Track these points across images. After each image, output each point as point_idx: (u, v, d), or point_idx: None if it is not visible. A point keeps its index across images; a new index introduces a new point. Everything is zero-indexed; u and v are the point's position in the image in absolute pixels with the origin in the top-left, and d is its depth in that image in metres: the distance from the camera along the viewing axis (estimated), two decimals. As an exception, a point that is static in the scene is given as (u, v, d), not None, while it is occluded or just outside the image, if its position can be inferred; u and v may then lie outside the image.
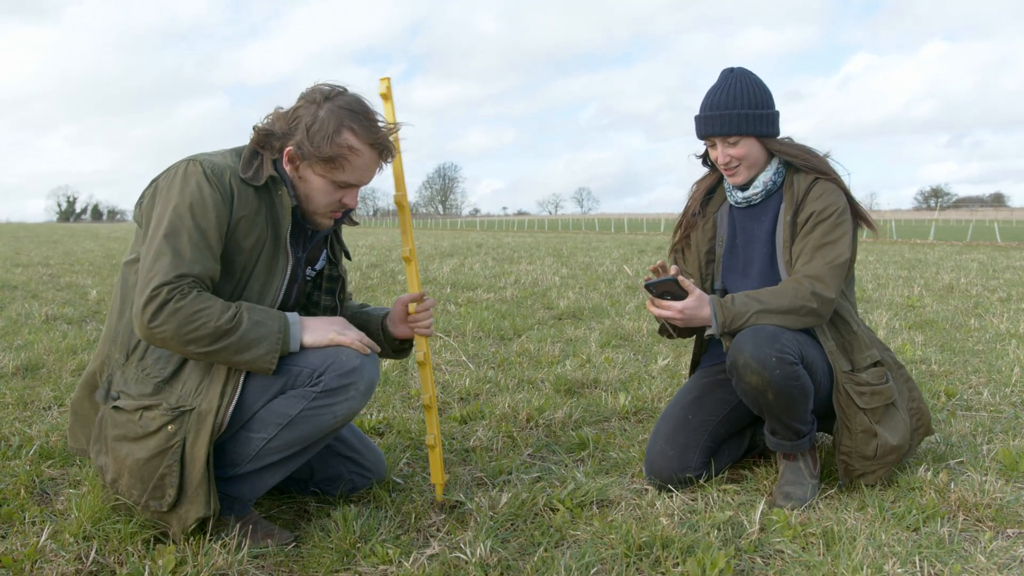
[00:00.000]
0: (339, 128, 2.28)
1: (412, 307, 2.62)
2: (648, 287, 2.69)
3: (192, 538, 2.27)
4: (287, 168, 2.37)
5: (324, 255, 2.63)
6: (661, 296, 2.70)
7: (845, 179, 2.84)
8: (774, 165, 2.87)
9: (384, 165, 2.42)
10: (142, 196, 2.36)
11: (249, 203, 2.31)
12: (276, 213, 2.36)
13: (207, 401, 2.23)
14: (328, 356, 2.28)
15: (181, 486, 2.23)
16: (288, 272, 2.40)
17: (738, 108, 2.75)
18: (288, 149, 2.32)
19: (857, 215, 2.83)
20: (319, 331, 2.34)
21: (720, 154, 2.83)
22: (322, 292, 2.63)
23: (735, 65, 2.88)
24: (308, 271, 2.59)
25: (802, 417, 2.69)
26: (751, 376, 2.58)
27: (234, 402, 2.24)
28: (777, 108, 2.84)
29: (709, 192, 3.05)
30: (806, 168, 2.82)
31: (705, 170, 3.09)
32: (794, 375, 2.57)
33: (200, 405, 2.23)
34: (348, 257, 2.77)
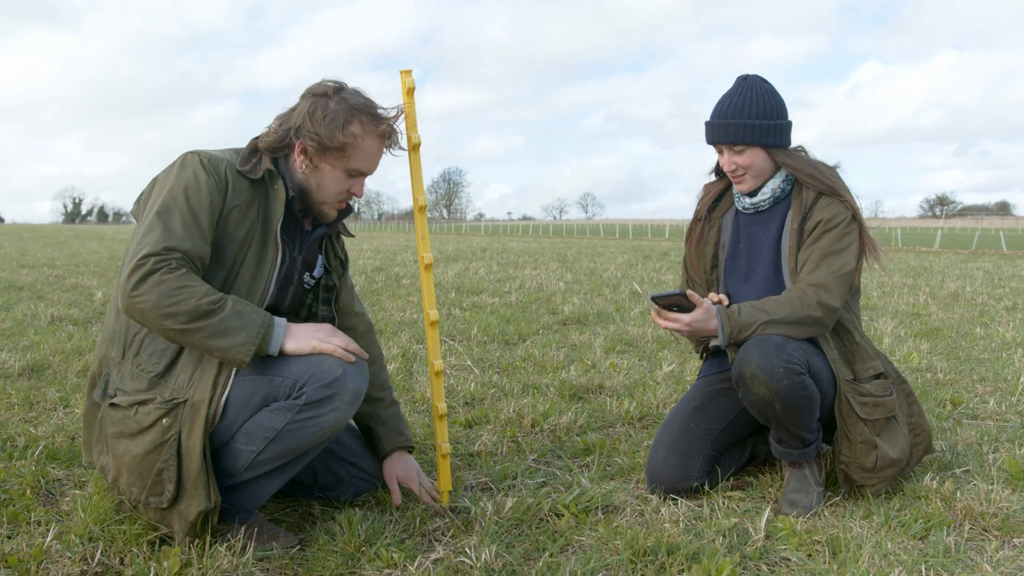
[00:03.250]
0: (349, 118, 2.38)
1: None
2: (655, 299, 2.70)
3: (198, 539, 2.26)
4: (300, 160, 2.43)
5: (320, 262, 2.63)
6: (668, 308, 2.71)
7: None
8: (783, 172, 2.87)
9: (389, 152, 2.51)
10: (143, 192, 2.40)
11: (243, 194, 2.36)
12: (269, 206, 2.41)
13: (200, 392, 2.23)
14: (309, 366, 2.26)
15: (179, 481, 2.23)
16: (278, 266, 2.42)
17: (745, 118, 2.75)
18: (300, 142, 2.39)
19: (863, 239, 2.81)
20: (302, 338, 2.30)
21: (726, 161, 2.84)
22: (319, 303, 2.64)
23: (745, 72, 2.88)
24: (307, 278, 2.59)
25: (808, 426, 2.68)
26: (758, 387, 2.58)
27: (227, 392, 2.24)
28: (790, 119, 2.83)
29: (717, 198, 3.05)
30: (811, 184, 2.80)
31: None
32: (801, 385, 2.57)
33: (193, 396, 2.23)
34: (344, 266, 2.76)
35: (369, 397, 2.67)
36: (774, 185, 2.86)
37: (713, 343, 2.78)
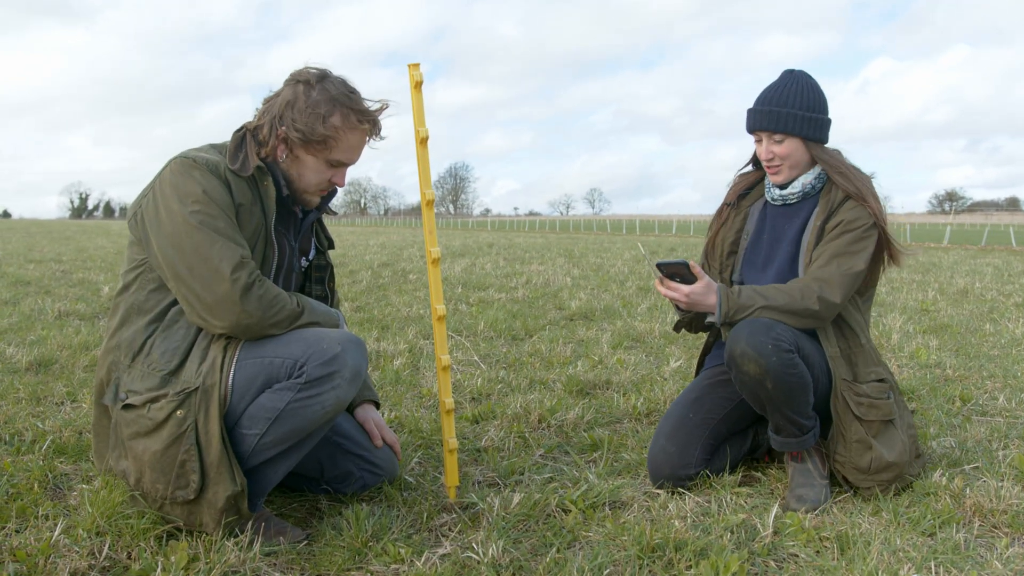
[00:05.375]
0: (331, 110, 2.37)
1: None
2: (659, 266, 2.73)
3: (231, 532, 2.26)
4: (280, 149, 2.43)
5: (313, 244, 2.69)
6: (670, 277, 2.72)
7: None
8: (817, 170, 2.90)
9: (371, 142, 2.51)
10: (138, 206, 2.36)
11: (244, 192, 2.36)
12: (263, 203, 2.41)
13: (209, 377, 2.25)
14: (309, 346, 2.29)
15: (203, 469, 2.23)
16: (275, 260, 2.45)
17: (789, 107, 2.79)
18: (282, 130, 2.39)
19: (885, 244, 2.82)
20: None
21: (764, 150, 2.87)
22: (312, 282, 2.69)
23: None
24: (303, 262, 2.65)
25: (803, 410, 2.68)
26: (748, 364, 2.58)
27: (232, 370, 2.27)
28: (830, 116, 2.87)
29: (749, 188, 3.09)
30: (841, 185, 2.82)
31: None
32: (791, 363, 2.58)
33: (204, 383, 2.24)
34: (331, 246, 2.82)
35: None
36: (805, 180, 2.89)
37: (708, 319, 2.80)
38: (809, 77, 2.87)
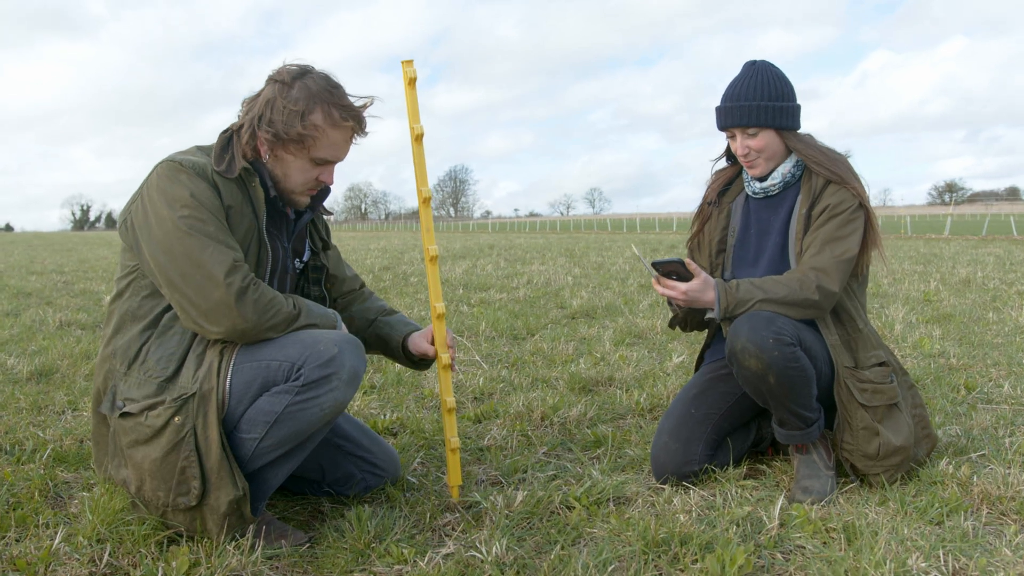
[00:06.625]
0: (310, 108, 2.30)
1: (444, 356, 2.60)
2: (655, 265, 2.70)
3: (235, 536, 2.25)
4: (262, 150, 2.37)
5: (307, 246, 2.65)
6: (667, 276, 2.71)
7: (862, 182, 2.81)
8: (794, 157, 2.85)
9: (357, 139, 2.44)
10: (128, 212, 2.33)
11: (234, 194, 2.32)
12: (253, 205, 2.37)
13: (206, 382, 2.23)
14: (306, 348, 2.26)
15: (203, 475, 2.21)
16: (270, 262, 2.42)
17: (758, 100, 2.75)
18: (261, 133, 2.33)
19: (869, 227, 2.78)
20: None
21: (739, 146, 2.82)
22: (310, 283, 2.66)
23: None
24: (297, 263, 2.61)
25: (806, 403, 2.66)
26: (750, 360, 2.56)
27: (229, 375, 2.24)
28: (798, 102, 2.83)
29: (727, 184, 3.04)
30: (820, 172, 2.79)
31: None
32: (793, 356, 2.56)
33: (201, 388, 2.22)
34: (327, 247, 2.75)
35: (375, 321, 2.80)
36: (784, 170, 2.85)
37: (708, 315, 2.78)
38: (772, 66, 2.81)
